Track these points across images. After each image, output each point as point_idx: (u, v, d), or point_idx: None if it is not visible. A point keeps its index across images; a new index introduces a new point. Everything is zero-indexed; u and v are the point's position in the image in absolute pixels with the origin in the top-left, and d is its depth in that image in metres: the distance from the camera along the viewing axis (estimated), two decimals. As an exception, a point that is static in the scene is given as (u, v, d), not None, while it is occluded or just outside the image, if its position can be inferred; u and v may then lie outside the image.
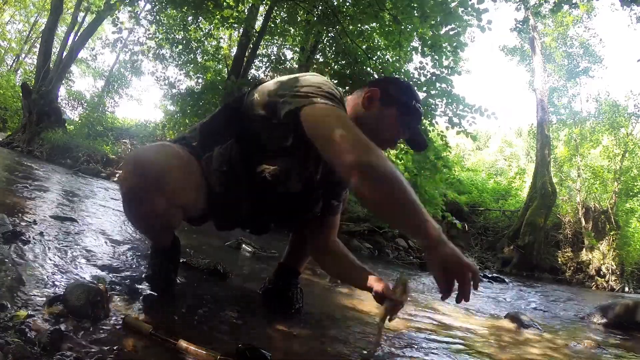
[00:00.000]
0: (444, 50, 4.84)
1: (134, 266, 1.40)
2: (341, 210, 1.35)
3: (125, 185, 1.02)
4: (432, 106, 5.08)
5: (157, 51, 9.64)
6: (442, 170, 5.05)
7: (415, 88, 1.32)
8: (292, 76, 1.08)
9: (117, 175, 6.48)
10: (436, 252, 0.83)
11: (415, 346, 1.24)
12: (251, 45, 7.40)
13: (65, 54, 10.18)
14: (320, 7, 5.94)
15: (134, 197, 1.02)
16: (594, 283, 7.86)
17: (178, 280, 1.32)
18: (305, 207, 1.21)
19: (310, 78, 1.04)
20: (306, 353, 1.01)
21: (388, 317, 1.02)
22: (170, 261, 1.26)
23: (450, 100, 5.00)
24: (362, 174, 0.86)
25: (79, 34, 10.63)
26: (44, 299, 0.89)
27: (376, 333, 1.05)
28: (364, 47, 6.08)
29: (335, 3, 5.95)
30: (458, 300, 0.84)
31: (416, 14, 4.51)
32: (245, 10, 7.28)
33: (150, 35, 9.29)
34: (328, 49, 7.13)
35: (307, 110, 0.95)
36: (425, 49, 4.90)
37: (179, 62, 9.59)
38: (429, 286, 3.04)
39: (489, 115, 4.88)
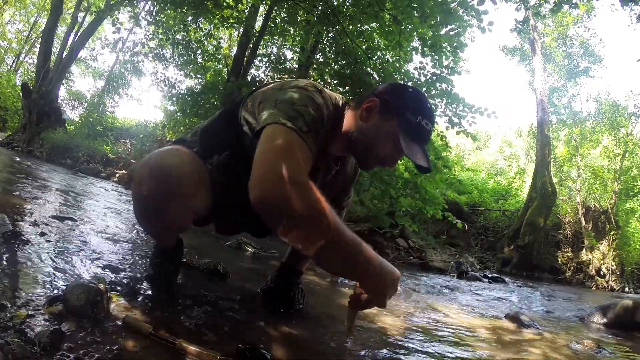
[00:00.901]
0: (444, 50, 4.83)
1: (135, 266, 1.40)
2: (343, 217, 1.34)
3: (140, 189, 1.02)
4: (432, 106, 5.06)
5: (158, 51, 9.66)
6: (442, 170, 5.04)
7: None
8: (281, 83, 1.06)
9: (117, 175, 6.48)
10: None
11: (415, 346, 1.24)
12: (251, 45, 7.40)
13: (65, 54, 10.20)
14: (320, 7, 5.93)
15: (150, 202, 1.02)
16: (594, 283, 7.84)
17: (178, 280, 1.32)
18: None
19: (293, 93, 0.98)
20: (306, 353, 1.00)
21: (354, 308, 1.05)
22: (172, 262, 1.26)
23: (450, 100, 4.99)
24: (260, 210, 0.83)
25: (79, 34, 10.65)
26: (44, 299, 0.89)
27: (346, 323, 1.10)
28: (364, 47, 6.07)
29: (335, 3, 5.95)
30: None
31: (416, 14, 4.50)
32: (245, 10, 7.28)
33: (150, 36, 9.30)
34: (328, 49, 7.12)
35: (267, 128, 0.90)
36: (425, 49, 4.89)
37: (179, 63, 9.61)
38: (430, 286, 3.04)
39: (489, 114, 4.86)
